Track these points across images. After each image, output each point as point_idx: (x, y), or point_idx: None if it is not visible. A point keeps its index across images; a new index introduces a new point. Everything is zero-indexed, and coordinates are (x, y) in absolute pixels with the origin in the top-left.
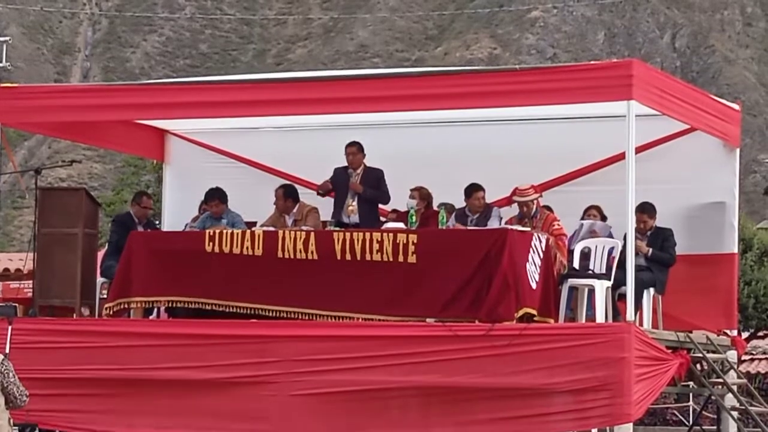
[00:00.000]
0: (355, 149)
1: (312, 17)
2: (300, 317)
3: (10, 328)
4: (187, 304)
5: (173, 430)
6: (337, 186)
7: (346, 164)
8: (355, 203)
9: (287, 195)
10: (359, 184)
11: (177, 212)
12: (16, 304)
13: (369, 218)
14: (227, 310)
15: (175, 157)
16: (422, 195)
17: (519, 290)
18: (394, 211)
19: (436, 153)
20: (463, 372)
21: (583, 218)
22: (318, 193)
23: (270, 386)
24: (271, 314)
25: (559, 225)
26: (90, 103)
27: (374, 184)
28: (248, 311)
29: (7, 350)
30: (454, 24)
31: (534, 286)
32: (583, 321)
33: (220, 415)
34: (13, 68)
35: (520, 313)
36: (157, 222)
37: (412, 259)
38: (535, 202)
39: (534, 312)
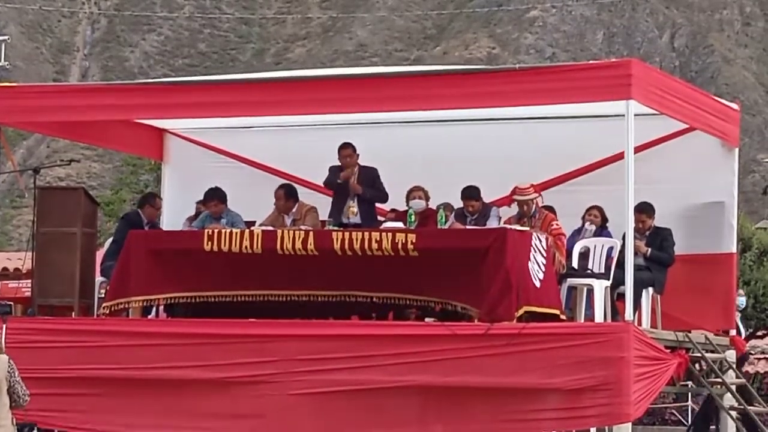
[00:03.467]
0: (349, 151)
1: (311, 16)
2: (307, 300)
3: (4, 327)
4: (187, 299)
5: (172, 429)
6: (333, 186)
7: (340, 163)
8: (355, 204)
9: (289, 195)
10: (358, 185)
11: (176, 212)
12: (11, 303)
13: (368, 218)
14: (232, 299)
15: (174, 157)
16: (426, 195)
17: (520, 290)
18: (393, 210)
19: (434, 152)
20: (461, 371)
21: (584, 218)
22: (328, 185)
23: (268, 385)
24: (278, 299)
25: (557, 225)
26: (89, 102)
27: (370, 183)
28: (248, 298)
29: (3, 348)
30: (453, 23)
31: (538, 284)
32: (582, 321)
33: (219, 415)
34: (11, 67)
35: (521, 312)
36: (158, 223)
37: (413, 254)
38: (535, 201)
39: (543, 310)
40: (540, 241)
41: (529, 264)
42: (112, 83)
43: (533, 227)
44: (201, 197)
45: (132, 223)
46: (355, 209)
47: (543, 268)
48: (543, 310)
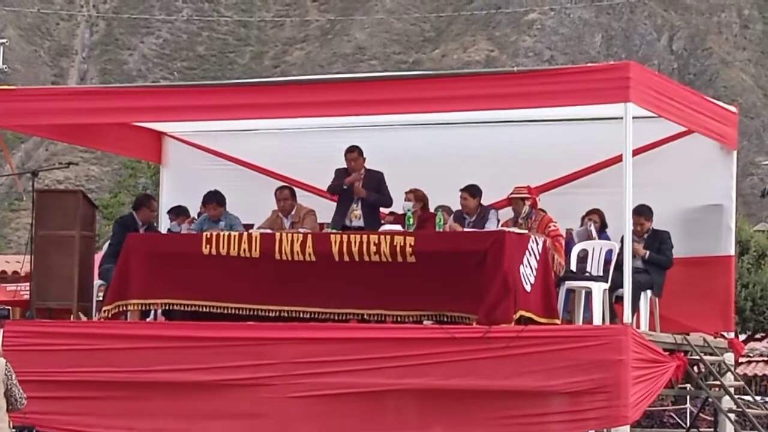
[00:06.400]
0: (355, 155)
1: (309, 19)
2: (299, 315)
3: (1, 330)
4: (185, 307)
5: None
6: (338, 191)
7: (345, 166)
8: (359, 208)
9: (293, 195)
10: (362, 189)
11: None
12: (9, 307)
13: (371, 222)
14: (225, 311)
15: (172, 160)
16: (417, 197)
17: (518, 293)
18: (392, 213)
19: (433, 154)
20: (460, 374)
21: (582, 222)
22: (333, 190)
23: (267, 388)
24: (269, 314)
25: (555, 226)
26: (87, 105)
27: (375, 188)
28: (246, 312)
29: (0, 352)
30: (452, 26)
31: (528, 288)
32: (581, 323)
33: (218, 418)
34: (10, 70)
35: (517, 315)
36: (155, 225)
37: (411, 259)
38: (528, 202)
39: (529, 315)
40: (537, 244)
41: (521, 267)
42: (110, 86)
43: (530, 229)
44: (199, 200)
45: (127, 226)
46: (359, 213)
47: (534, 272)
48: (530, 316)
